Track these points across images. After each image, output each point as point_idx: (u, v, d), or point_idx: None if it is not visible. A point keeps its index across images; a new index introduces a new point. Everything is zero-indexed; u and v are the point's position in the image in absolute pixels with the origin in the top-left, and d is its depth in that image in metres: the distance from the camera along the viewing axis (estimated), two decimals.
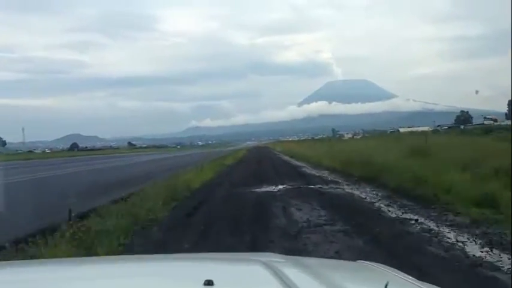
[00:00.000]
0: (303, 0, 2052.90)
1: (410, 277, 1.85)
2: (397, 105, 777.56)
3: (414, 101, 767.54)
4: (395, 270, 1.99)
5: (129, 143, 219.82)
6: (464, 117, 60.15)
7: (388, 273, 1.92)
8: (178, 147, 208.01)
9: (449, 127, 46.05)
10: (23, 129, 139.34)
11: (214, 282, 1.44)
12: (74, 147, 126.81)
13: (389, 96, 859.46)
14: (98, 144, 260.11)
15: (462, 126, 44.03)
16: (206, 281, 1.45)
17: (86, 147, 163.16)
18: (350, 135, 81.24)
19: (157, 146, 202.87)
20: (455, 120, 64.12)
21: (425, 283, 1.70)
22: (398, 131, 57.69)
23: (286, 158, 42.48)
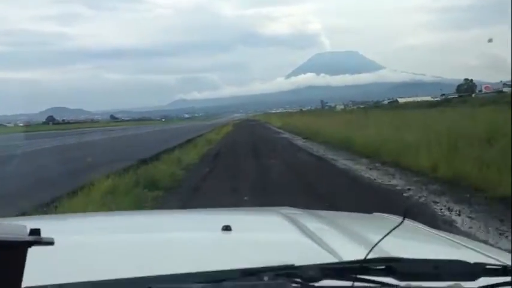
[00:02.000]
0: None
1: (427, 227, 1.86)
2: (385, 76, 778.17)
3: (402, 72, 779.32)
4: (412, 220, 1.98)
5: (112, 116, 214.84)
6: (467, 86, 56.18)
7: (405, 223, 1.70)
8: (163, 120, 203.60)
9: (459, 95, 41.97)
10: None
11: (233, 228, 1.50)
12: (49, 120, 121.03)
13: (377, 67, 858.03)
14: (81, 117, 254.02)
15: (473, 94, 40.02)
16: (224, 226, 1.50)
17: (63, 120, 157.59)
18: (342, 107, 76.73)
19: (141, 119, 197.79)
20: (456, 89, 60.23)
21: (442, 231, 1.71)
22: (396, 101, 53.90)
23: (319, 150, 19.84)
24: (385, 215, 2.19)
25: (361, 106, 69.68)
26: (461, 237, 1.78)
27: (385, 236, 1.12)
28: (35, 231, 0.96)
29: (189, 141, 24.69)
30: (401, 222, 1.24)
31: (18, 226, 0.96)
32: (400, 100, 53.42)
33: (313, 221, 1.77)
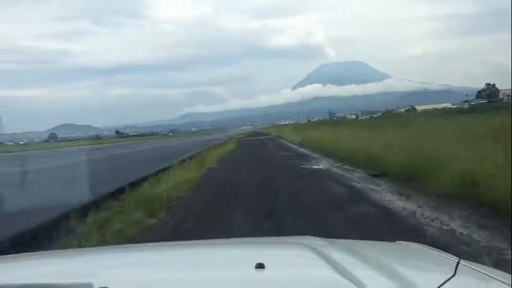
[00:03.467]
0: None
1: (451, 255, 1.80)
2: (392, 85, 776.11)
3: (409, 81, 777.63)
4: (435, 249, 1.96)
5: (117, 132, 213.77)
6: (490, 91, 53.32)
7: (429, 252, 1.94)
8: (171, 134, 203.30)
9: (489, 101, 39.45)
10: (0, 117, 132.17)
11: (265, 265, 1.49)
12: (51, 138, 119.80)
13: (383, 77, 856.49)
14: (91, 133, 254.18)
15: (504, 99, 37.62)
16: (257, 264, 1.49)
17: (66, 137, 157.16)
18: (353, 117, 74.14)
19: (148, 134, 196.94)
20: (476, 95, 57.47)
21: (467, 261, 1.67)
22: (414, 109, 51.68)
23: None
24: (408, 243, 2.20)
25: (375, 115, 66.65)
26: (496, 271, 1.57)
27: (442, 284, 1.16)
28: None
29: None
30: (455, 271, 1.28)
31: (85, 286, 1.00)
32: (418, 108, 50.96)
33: (339, 253, 1.75)
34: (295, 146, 31.55)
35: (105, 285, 1.05)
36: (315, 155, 21.61)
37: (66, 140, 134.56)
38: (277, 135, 60.70)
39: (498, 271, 1.57)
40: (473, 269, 1.58)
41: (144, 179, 12.44)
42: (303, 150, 26.14)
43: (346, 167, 15.43)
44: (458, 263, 1.58)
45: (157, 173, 14.51)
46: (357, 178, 12.56)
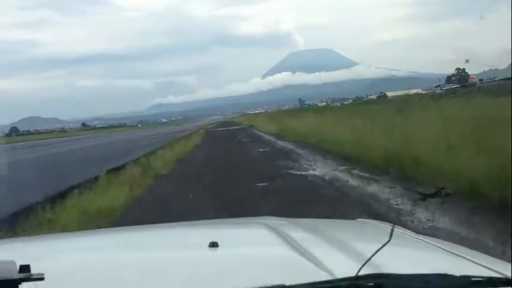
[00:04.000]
0: None
1: (411, 232, 1.85)
2: (360, 72, 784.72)
3: (376, 67, 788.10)
4: (397, 226, 1.88)
5: (83, 124, 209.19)
6: (460, 76, 53.00)
7: (388, 230, 1.77)
8: (139, 125, 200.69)
9: (460, 86, 38.81)
10: None
11: (219, 244, 1.48)
12: (12, 131, 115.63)
13: (352, 64, 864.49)
14: (57, 126, 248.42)
15: (478, 84, 37.34)
16: (211, 243, 1.48)
17: (28, 131, 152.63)
18: (324, 104, 73.45)
19: (115, 126, 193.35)
20: (446, 80, 57.46)
21: (426, 236, 1.71)
22: (385, 95, 51.28)
23: None
24: (369, 220, 2.22)
25: (346, 102, 66.00)
26: (456, 246, 1.65)
27: (377, 251, 1.15)
28: (25, 268, 1.00)
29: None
30: (390, 238, 1.26)
31: (7, 263, 1.00)
32: (389, 94, 50.52)
33: (299, 232, 1.74)
34: (271, 138, 27.11)
35: (28, 264, 1.02)
36: (301, 151, 16.93)
37: (28, 133, 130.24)
38: (250, 124, 55.20)
39: (455, 245, 1.63)
40: (430, 243, 1.64)
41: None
42: (282, 144, 21.66)
43: (357, 172, 10.45)
44: (392, 230, 1.47)
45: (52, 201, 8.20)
46: (395, 200, 7.62)
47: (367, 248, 1.43)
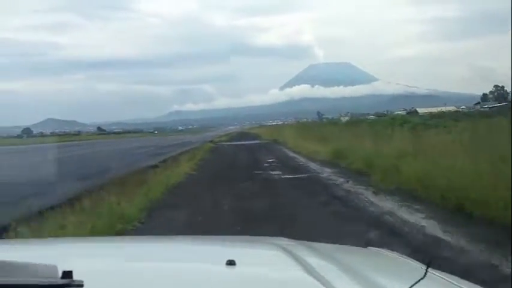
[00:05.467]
0: None
1: (420, 263, 1.81)
2: (379, 88, 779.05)
3: (396, 84, 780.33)
4: (405, 256, 2.01)
5: (99, 128, 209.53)
6: (498, 94, 49.42)
7: (399, 259, 2.00)
8: (156, 132, 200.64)
9: (505, 104, 36.57)
10: None
11: (236, 262, 1.50)
12: (24, 133, 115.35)
13: (371, 79, 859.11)
14: (76, 129, 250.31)
15: None
16: (228, 261, 1.49)
17: (41, 132, 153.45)
18: (347, 118, 70.77)
19: (131, 131, 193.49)
20: (481, 98, 54.29)
21: (436, 270, 1.70)
22: (416, 111, 49.03)
23: None
24: (380, 249, 2.24)
25: (369, 117, 63.08)
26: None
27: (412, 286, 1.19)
28: (68, 274, 1.02)
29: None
30: (425, 274, 1.31)
31: (50, 267, 1.03)
32: (420, 110, 48.30)
33: (312, 256, 1.76)
34: (334, 172, 16.29)
35: (70, 270, 1.06)
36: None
37: (41, 135, 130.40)
38: (273, 139, 45.08)
39: (466, 282, 1.60)
40: (440, 277, 1.60)
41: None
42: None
43: None
44: (426, 270, 1.56)
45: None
46: None
47: (376, 276, 1.50)
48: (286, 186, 14.13)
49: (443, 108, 34.81)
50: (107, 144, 55.84)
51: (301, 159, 22.94)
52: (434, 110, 33.57)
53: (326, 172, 16.78)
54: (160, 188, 12.67)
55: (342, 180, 14.25)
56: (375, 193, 11.32)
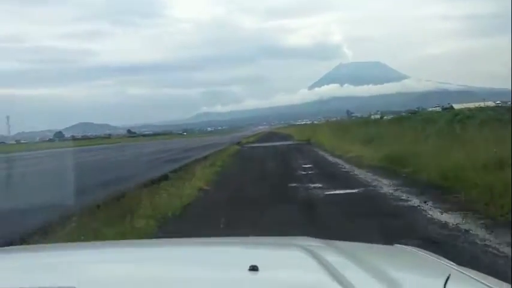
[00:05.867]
0: None
1: (447, 260, 1.86)
2: (410, 86, 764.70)
3: (427, 81, 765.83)
4: (432, 254, 2.00)
5: (129, 131, 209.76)
6: None
7: (426, 257, 1.98)
8: (185, 133, 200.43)
9: None
10: (7, 118, 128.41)
11: (259, 267, 1.50)
12: (56, 136, 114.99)
13: (401, 77, 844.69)
14: (107, 132, 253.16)
15: None
16: (251, 266, 1.49)
17: (73, 136, 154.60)
18: (378, 117, 65.95)
19: (161, 133, 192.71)
20: None
21: (462, 267, 1.75)
22: (452, 107, 44.73)
23: None
24: (406, 247, 2.20)
25: (402, 115, 58.13)
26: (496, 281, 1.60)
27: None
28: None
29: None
30: (448, 277, 1.33)
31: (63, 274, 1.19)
32: (456, 106, 43.67)
33: (336, 256, 1.75)
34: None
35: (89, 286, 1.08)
36: None
37: (73, 139, 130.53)
38: (306, 139, 40.98)
39: (493, 279, 1.58)
40: (468, 275, 1.59)
41: None
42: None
43: None
44: (452, 269, 1.59)
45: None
46: None
47: (401, 275, 1.49)
48: (335, 209, 9.72)
49: (482, 104, 30.66)
50: (129, 147, 53.01)
51: (346, 166, 18.59)
52: (471, 105, 29.45)
53: (385, 185, 12.45)
54: (151, 223, 8.76)
55: (416, 200, 9.76)
56: (488, 229, 6.91)
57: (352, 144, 23.73)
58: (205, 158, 24.63)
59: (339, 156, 22.40)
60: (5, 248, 2.28)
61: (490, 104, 38.28)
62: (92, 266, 1.74)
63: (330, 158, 23.19)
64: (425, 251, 2.06)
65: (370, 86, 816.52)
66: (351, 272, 1.48)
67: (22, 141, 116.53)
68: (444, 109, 51.18)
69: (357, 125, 38.67)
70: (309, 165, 19.31)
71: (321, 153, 27.20)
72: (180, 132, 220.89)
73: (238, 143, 46.07)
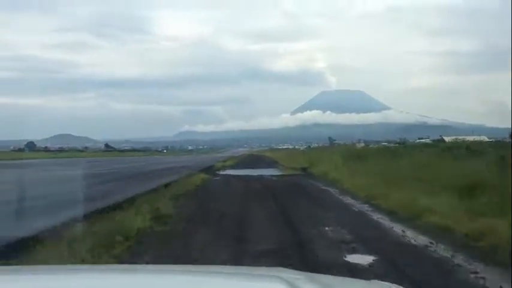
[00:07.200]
0: (297, 9, 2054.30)
1: None
2: (391, 116, 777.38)
3: (408, 113, 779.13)
4: None
5: (106, 145, 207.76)
6: None
7: None
8: (165, 151, 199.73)
9: None
10: None
11: None
12: (28, 146, 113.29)
13: (383, 107, 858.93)
14: (88, 145, 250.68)
15: None
16: None
17: (46, 147, 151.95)
18: (362, 145, 66.68)
19: (140, 150, 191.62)
20: None
21: None
22: (443, 140, 45.42)
23: None
24: (384, 283, 2.16)
25: (382, 144, 58.88)
26: None
27: None
28: None
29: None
30: None
31: None
32: (447, 139, 44.68)
33: None
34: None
35: None
36: None
37: (45, 150, 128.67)
38: (300, 167, 32.64)
39: None
40: None
41: None
42: None
43: None
44: None
45: None
46: None
47: None
48: None
49: (476, 138, 31.55)
50: (85, 165, 42.89)
51: (421, 237, 9.84)
52: (461, 139, 30.28)
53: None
54: None
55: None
56: None
57: (387, 183, 16.02)
58: (141, 196, 15.86)
59: (390, 211, 13.07)
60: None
61: (482, 138, 38.97)
62: None
63: (374, 215, 13.04)
64: (402, 287, 2.02)
65: (352, 114, 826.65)
66: None
67: None
68: (434, 141, 52.19)
69: (363, 152, 32.73)
70: (347, 237, 10.00)
71: (348, 201, 16.54)
72: (160, 149, 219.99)
73: (210, 169, 35.47)
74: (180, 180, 22.52)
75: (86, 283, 1.86)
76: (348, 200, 16.93)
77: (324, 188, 21.16)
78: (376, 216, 12.98)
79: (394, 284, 2.09)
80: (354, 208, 14.97)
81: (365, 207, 14.77)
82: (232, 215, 13.21)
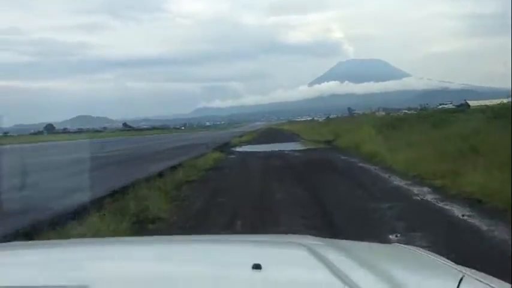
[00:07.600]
0: None
1: (447, 260, 1.84)
2: (411, 84, 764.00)
3: (428, 79, 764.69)
4: (431, 253, 2.00)
5: (124, 124, 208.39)
6: None
7: (424, 256, 1.99)
8: (183, 128, 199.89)
9: None
10: None
11: (262, 266, 1.51)
12: (46, 129, 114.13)
13: (402, 75, 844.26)
14: (106, 125, 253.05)
15: None
16: (254, 264, 1.50)
17: (65, 129, 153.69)
18: (383, 113, 64.31)
19: (158, 128, 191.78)
20: None
21: (462, 266, 1.72)
22: (467, 104, 43.28)
23: None
24: (406, 246, 2.23)
25: (406, 112, 56.17)
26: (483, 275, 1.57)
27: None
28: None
29: None
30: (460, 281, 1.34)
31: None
32: (472, 103, 42.27)
33: (335, 254, 1.75)
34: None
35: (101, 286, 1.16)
36: None
37: (64, 132, 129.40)
38: (324, 140, 30.19)
39: (495, 279, 1.54)
40: (474, 277, 1.57)
41: None
42: None
43: None
44: (452, 268, 1.62)
45: None
46: None
47: (401, 274, 1.52)
48: None
49: (505, 101, 29.31)
50: (94, 146, 38.73)
51: None
52: (488, 103, 28.09)
53: None
54: None
55: None
56: None
57: (441, 158, 13.16)
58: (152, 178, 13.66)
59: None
60: (16, 242, 2.24)
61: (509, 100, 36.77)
62: (103, 264, 1.74)
63: (449, 208, 9.10)
64: (425, 250, 2.06)
65: (371, 83, 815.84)
66: (353, 270, 1.48)
67: (9, 134, 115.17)
68: (459, 106, 49.93)
69: (402, 122, 28.26)
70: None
71: (390, 179, 13.37)
72: (178, 126, 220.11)
73: (225, 146, 33.02)
74: (187, 161, 19.15)
75: (99, 255, 1.88)
76: (397, 181, 12.88)
77: (361, 165, 17.24)
78: (456, 210, 8.78)
79: (415, 247, 2.16)
80: (415, 196, 10.57)
81: (428, 194, 10.61)
82: (244, 216, 9.23)
